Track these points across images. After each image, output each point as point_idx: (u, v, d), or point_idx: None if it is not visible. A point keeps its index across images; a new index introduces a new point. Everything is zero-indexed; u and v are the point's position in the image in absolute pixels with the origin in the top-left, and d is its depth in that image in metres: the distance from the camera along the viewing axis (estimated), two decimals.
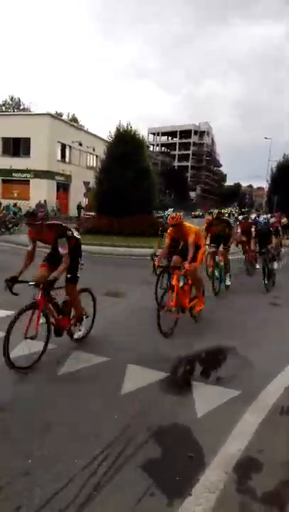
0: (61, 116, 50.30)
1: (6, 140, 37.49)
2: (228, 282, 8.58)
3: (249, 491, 2.50)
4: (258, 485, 2.55)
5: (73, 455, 2.74)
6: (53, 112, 41.17)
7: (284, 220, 26.40)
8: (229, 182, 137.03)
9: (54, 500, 2.32)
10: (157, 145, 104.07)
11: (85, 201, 32.41)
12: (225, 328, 6.00)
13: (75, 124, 53.19)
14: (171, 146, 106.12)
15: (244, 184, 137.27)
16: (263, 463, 2.77)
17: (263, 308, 7.31)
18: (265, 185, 55.81)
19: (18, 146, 37.66)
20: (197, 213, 62.15)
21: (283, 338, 5.54)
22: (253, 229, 10.12)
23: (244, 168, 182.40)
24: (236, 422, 3.27)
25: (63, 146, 40.00)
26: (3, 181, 37.59)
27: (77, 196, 35.98)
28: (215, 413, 3.40)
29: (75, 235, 4.65)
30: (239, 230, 11.00)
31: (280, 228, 16.65)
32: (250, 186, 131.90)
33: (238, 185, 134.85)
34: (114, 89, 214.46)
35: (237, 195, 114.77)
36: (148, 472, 2.62)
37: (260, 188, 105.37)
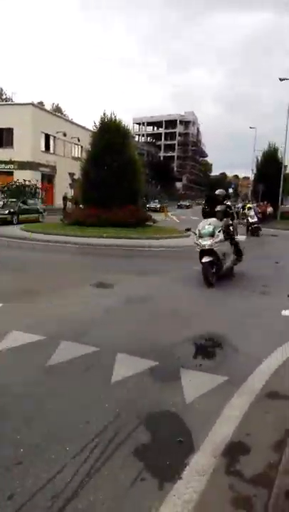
0: (43, 105, 49.47)
1: None
2: None
3: (238, 473, 2.57)
4: (246, 467, 2.61)
5: (64, 443, 2.76)
6: (35, 102, 40.48)
7: (270, 209, 26.74)
8: (215, 172, 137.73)
9: (46, 487, 2.35)
10: (142, 135, 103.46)
11: (70, 192, 32.17)
12: (212, 316, 6.07)
13: (59, 114, 52.44)
14: (156, 136, 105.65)
15: (230, 174, 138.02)
16: (250, 446, 2.84)
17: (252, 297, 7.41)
18: (250, 175, 56.23)
19: (1, 137, 37.06)
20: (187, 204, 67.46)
21: (270, 324, 5.63)
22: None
23: (230, 158, 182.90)
24: (224, 406, 3.33)
25: (47, 137, 39.49)
26: None
27: (63, 187, 35.70)
28: (203, 399, 3.46)
29: None
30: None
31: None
32: (236, 176, 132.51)
33: (223, 175, 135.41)
34: (98, 79, 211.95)
35: (222, 185, 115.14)
36: (139, 458, 2.66)
37: (245, 178, 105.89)
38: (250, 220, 19.72)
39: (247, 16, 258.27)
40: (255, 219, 19.89)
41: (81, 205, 21.77)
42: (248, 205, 22.83)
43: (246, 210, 21.75)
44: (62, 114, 58.48)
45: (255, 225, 19.61)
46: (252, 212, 20.28)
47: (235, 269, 9.19)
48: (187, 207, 64.94)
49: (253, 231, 19.34)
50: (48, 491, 2.32)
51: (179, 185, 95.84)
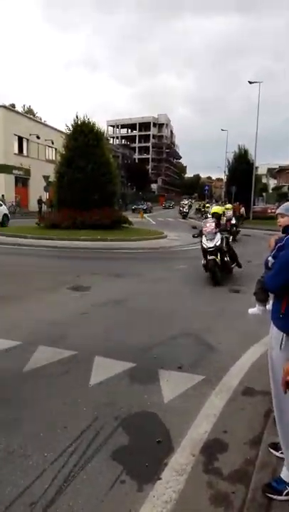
0: (14, 107, 48.73)
1: None
2: None
3: (216, 471, 2.60)
4: (224, 464, 2.65)
5: (42, 449, 2.73)
6: (6, 104, 39.77)
7: (242, 210, 27.20)
8: (189, 174, 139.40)
9: (25, 494, 2.32)
10: (117, 137, 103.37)
11: (45, 195, 31.76)
12: (188, 316, 6.13)
13: (32, 116, 51.76)
14: (131, 138, 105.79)
15: (203, 175, 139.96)
16: (228, 443, 2.88)
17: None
18: (223, 176, 57.11)
19: None
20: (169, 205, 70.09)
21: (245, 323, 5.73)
22: None
23: (203, 160, 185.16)
24: (202, 405, 3.38)
25: (20, 139, 38.87)
26: None
27: (38, 190, 35.19)
28: (181, 398, 3.49)
29: None
30: None
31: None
32: (209, 177, 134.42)
33: (197, 177, 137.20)
34: (71, 81, 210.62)
35: (196, 186, 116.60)
36: (118, 460, 2.66)
37: (219, 179, 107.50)
38: (205, 245, 9.12)
39: (218, 19, 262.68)
40: (216, 241, 8.64)
41: (52, 208, 21.43)
42: (227, 206, 16.79)
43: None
44: (34, 116, 57.72)
45: (213, 257, 8.79)
46: (208, 226, 9.56)
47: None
48: (145, 211, 46.49)
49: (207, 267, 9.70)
50: (26, 498, 2.29)
51: (154, 186, 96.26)
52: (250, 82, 33.71)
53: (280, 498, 2.25)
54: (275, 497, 2.26)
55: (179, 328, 5.48)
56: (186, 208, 41.79)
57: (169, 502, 2.30)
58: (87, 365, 4.09)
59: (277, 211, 2.59)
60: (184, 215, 39.49)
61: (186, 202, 46.86)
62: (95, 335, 5.10)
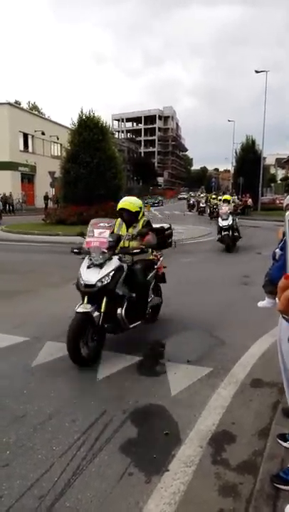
0: (19, 104, 48.79)
1: None
2: None
3: (224, 462, 2.60)
4: (232, 456, 2.65)
5: (51, 443, 2.76)
6: (11, 101, 39.84)
7: (249, 200, 26.99)
8: (196, 166, 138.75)
9: (34, 487, 2.34)
10: (122, 131, 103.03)
11: (51, 191, 31.86)
12: (195, 308, 6.12)
13: (36, 112, 51.79)
14: (136, 132, 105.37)
15: (210, 167, 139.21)
16: (236, 435, 2.88)
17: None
18: (231, 167, 56.70)
19: None
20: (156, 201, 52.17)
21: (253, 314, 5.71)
22: None
23: (210, 152, 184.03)
24: (210, 397, 3.37)
25: (25, 136, 38.94)
26: None
27: (44, 187, 35.31)
28: (189, 390, 3.50)
29: None
30: None
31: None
32: (216, 169, 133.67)
33: (204, 169, 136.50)
34: (74, 76, 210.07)
35: (203, 178, 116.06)
36: (126, 453, 2.67)
37: (226, 171, 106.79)
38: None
39: (222, 10, 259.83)
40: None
41: (58, 204, 21.50)
42: (226, 197, 14.22)
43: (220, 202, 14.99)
44: (39, 112, 57.74)
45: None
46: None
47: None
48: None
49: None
50: (35, 490, 2.32)
51: (160, 180, 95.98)
52: (256, 72, 33.25)
53: (288, 488, 2.25)
54: (283, 487, 2.25)
55: (186, 321, 5.47)
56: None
57: (177, 493, 2.31)
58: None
59: (286, 202, 2.55)
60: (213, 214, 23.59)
61: (202, 194, 35.16)
62: None
